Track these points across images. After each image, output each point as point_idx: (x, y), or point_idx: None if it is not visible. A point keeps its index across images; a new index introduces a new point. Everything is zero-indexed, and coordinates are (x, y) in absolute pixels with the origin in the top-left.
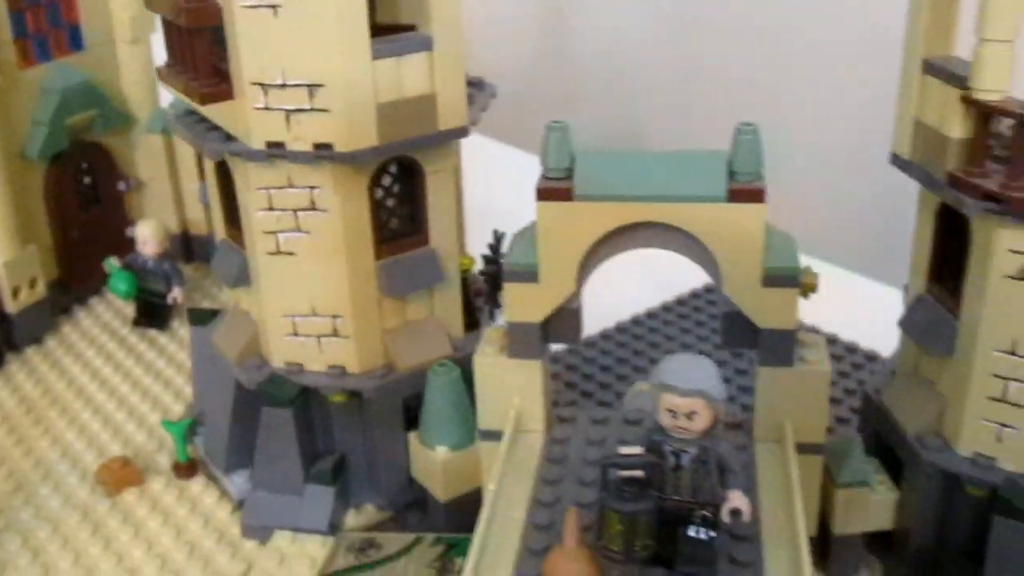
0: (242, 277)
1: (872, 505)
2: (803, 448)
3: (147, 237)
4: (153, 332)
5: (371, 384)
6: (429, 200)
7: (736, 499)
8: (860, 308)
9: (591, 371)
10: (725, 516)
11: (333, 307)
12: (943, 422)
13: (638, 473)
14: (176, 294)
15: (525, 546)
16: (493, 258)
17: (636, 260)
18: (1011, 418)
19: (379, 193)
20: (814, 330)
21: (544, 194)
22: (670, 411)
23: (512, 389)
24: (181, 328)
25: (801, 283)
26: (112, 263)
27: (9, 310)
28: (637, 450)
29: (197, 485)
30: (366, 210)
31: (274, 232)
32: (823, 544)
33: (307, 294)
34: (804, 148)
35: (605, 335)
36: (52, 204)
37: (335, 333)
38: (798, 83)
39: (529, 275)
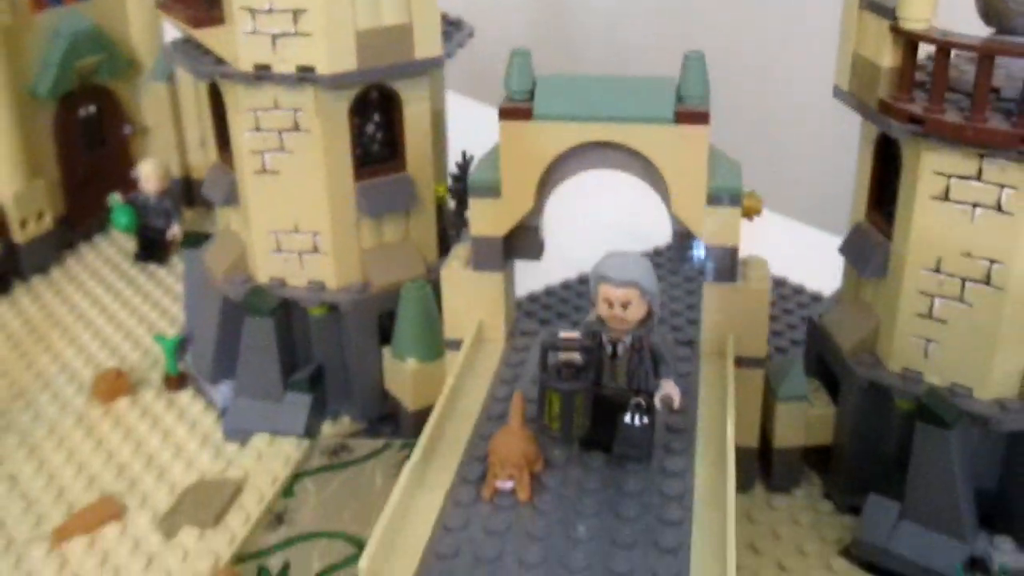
0: (231, 197)
1: (810, 420)
2: (745, 362)
3: (148, 174)
4: (153, 266)
5: (348, 298)
6: (406, 129)
7: (667, 387)
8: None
9: (565, 310)
10: (657, 402)
11: (314, 224)
12: (876, 341)
13: (575, 356)
14: (175, 231)
15: (477, 432)
16: (460, 176)
17: (621, 211)
18: (936, 334)
19: (360, 120)
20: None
21: (506, 113)
22: (607, 301)
23: (476, 301)
24: (180, 263)
25: (743, 204)
26: (115, 198)
27: (17, 240)
28: (576, 335)
29: (185, 396)
30: (346, 133)
31: (260, 152)
32: (765, 458)
33: (290, 212)
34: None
35: (583, 279)
36: (59, 142)
37: (315, 250)
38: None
39: (492, 191)
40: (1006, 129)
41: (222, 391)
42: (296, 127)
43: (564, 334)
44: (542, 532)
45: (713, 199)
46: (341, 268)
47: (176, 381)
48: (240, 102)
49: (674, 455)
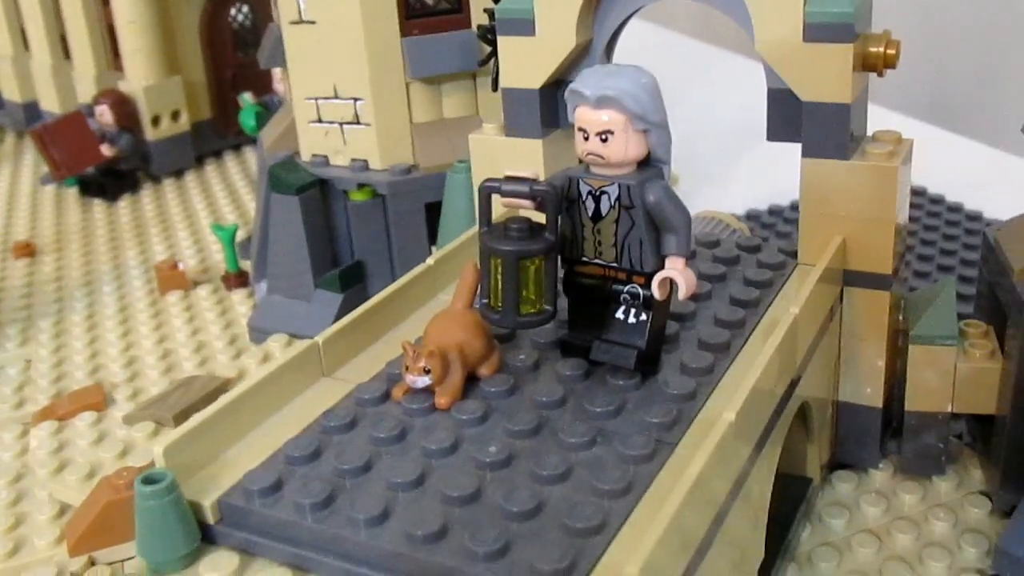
0: (275, 54)
1: (963, 374)
2: (861, 279)
3: (282, 76)
4: None
5: (390, 180)
6: None
7: (671, 266)
8: None
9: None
10: (654, 290)
11: (354, 88)
12: None
13: (525, 203)
14: None
15: None
16: (492, 11)
17: None
18: None
19: None
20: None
21: None
22: (582, 131)
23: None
24: None
25: (860, 42)
26: (245, 98)
27: (148, 137)
28: (526, 174)
29: (239, 295)
30: None
31: None
32: (896, 423)
33: (329, 72)
34: None
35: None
36: (206, 41)
37: (357, 120)
38: None
39: (523, 24)
40: None
41: (260, 288)
42: None
43: (511, 172)
44: (436, 446)
45: (812, 31)
46: (386, 145)
47: (234, 278)
48: None
49: (686, 375)
